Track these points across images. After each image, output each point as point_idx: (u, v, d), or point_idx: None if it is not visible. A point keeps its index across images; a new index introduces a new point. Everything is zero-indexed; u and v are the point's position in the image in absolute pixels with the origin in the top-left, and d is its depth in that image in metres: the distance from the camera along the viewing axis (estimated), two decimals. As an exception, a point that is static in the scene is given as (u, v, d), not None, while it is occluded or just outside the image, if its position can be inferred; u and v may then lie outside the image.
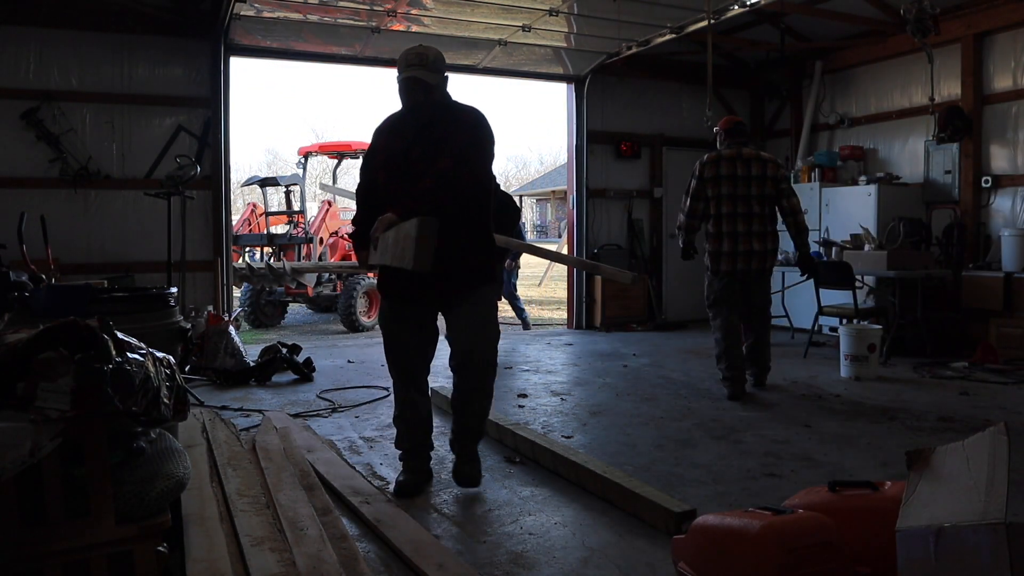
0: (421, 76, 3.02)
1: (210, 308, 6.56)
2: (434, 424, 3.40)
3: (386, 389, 5.29)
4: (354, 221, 3.38)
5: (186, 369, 5.40)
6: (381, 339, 3.25)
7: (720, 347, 5.03)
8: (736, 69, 9.64)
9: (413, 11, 6.64)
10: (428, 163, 3.00)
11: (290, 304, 10.91)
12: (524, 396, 5.14)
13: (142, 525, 1.86)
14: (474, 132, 3.10)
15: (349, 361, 6.59)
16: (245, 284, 9.93)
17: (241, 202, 14.53)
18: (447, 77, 3.17)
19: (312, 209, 11.08)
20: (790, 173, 8.52)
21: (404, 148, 3.08)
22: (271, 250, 10.77)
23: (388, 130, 3.23)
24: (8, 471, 1.61)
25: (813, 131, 9.05)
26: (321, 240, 10.45)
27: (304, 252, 10.30)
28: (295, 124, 31.21)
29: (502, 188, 4.68)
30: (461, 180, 3.00)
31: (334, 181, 12.83)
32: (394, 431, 3.66)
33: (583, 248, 8.94)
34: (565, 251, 10.37)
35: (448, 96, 3.20)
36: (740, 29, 8.45)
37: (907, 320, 6.63)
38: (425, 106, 3.09)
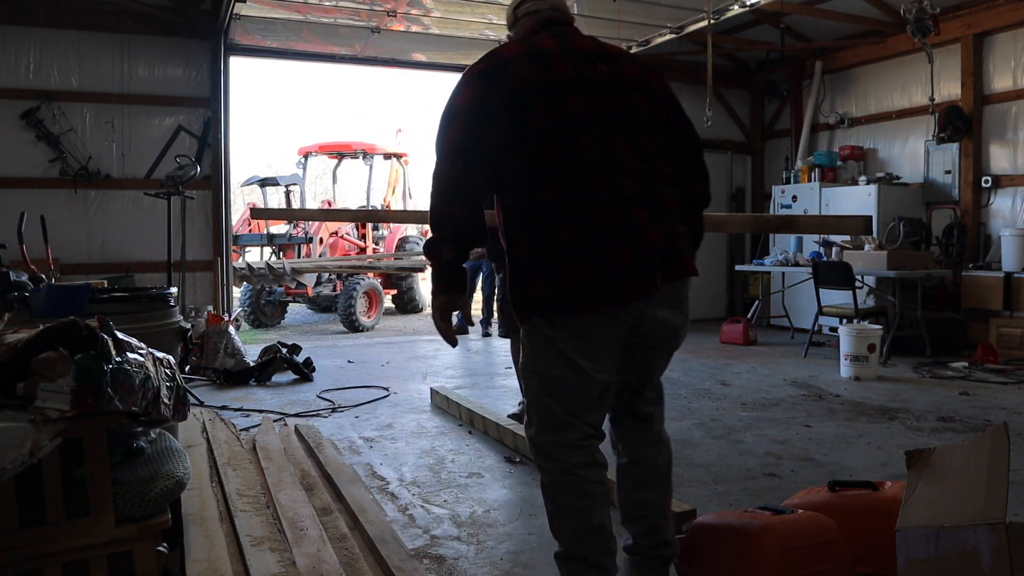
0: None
1: (210, 308, 6.57)
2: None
3: (386, 389, 5.29)
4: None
5: (186, 369, 5.40)
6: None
7: None
8: (736, 69, 9.65)
9: (413, 11, 6.65)
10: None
11: (290, 304, 10.91)
12: (524, 396, 5.12)
13: (142, 525, 1.86)
14: None
15: (349, 361, 6.58)
16: (245, 284, 9.93)
17: (241, 202, 14.52)
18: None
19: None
20: (791, 173, 8.78)
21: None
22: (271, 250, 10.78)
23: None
24: (8, 471, 1.61)
25: (813, 131, 9.05)
26: (321, 240, 10.45)
27: (304, 252, 10.30)
28: (295, 124, 31.17)
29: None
30: None
31: (334, 181, 12.84)
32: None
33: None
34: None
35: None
36: (740, 29, 8.45)
37: (907, 320, 6.63)
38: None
